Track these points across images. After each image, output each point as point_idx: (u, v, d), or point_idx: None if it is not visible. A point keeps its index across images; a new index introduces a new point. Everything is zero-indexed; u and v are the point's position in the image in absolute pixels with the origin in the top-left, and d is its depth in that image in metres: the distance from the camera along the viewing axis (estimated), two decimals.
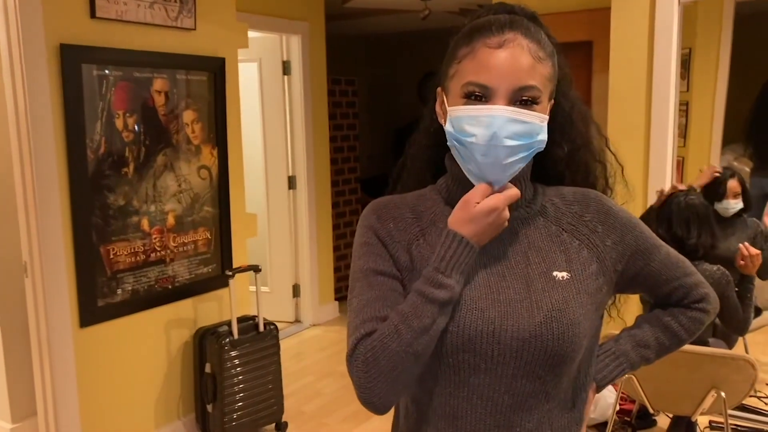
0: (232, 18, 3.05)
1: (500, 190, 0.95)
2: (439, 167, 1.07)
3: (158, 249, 2.79)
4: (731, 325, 2.58)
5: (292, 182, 4.45)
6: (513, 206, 0.98)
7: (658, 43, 3.10)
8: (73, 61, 2.44)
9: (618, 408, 2.77)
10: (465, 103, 0.93)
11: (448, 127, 0.95)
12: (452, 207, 0.98)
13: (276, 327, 3.06)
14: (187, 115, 2.86)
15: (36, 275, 2.45)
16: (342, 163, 5.24)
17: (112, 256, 2.62)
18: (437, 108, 1.02)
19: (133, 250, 2.69)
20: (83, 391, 2.59)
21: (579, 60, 3.60)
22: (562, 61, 1.03)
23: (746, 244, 2.65)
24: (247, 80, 4.08)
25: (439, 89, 1.01)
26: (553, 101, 1.00)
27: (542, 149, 0.96)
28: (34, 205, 2.40)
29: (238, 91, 3.16)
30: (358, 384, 0.93)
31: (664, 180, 3.17)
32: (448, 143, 0.97)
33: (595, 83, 3.56)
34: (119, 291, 2.66)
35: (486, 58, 0.92)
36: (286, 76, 4.34)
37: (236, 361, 2.85)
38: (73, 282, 2.51)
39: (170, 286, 2.86)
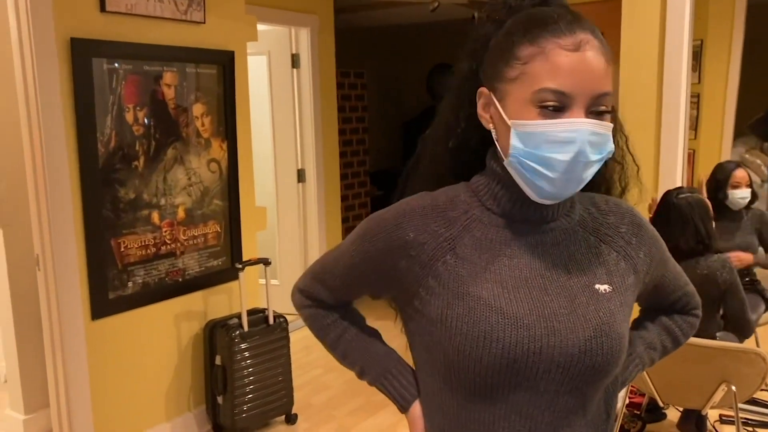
0: (241, 11, 3.05)
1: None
2: (463, 170, 0.98)
3: (168, 242, 2.80)
4: (735, 323, 2.56)
5: (301, 175, 4.45)
6: (554, 217, 0.92)
7: (669, 35, 3.08)
8: (83, 55, 2.45)
9: (627, 401, 2.77)
10: (539, 114, 0.82)
11: (515, 142, 0.85)
12: (491, 211, 0.92)
13: (285, 319, 3.08)
14: (197, 109, 2.87)
15: (48, 268, 2.47)
16: (351, 156, 5.24)
17: (123, 249, 2.63)
18: (480, 111, 0.91)
19: (143, 243, 2.70)
20: (95, 383, 2.61)
21: None
22: None
23: (738, 254, 2.65)
24: (256, 73, 4.08)
25: (484, 90, 0.90)
26: None
27: None
28: (45, 198, 2.42)
29: (247, 84, 3.16)
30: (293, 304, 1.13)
31: (675, 173, 3.15)
32: (511, 159, 0.86)
33: None
34: (130, 284, 2.68)
35: (563, 62, 0.81)
36: (295, 69, 4.34)
37: (246, 354, 2.87)
38: (84, 275, 2.53)
39: (180, 279, 2.87)
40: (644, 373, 2.41)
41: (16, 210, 2.89)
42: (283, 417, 3.11)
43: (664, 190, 3.10)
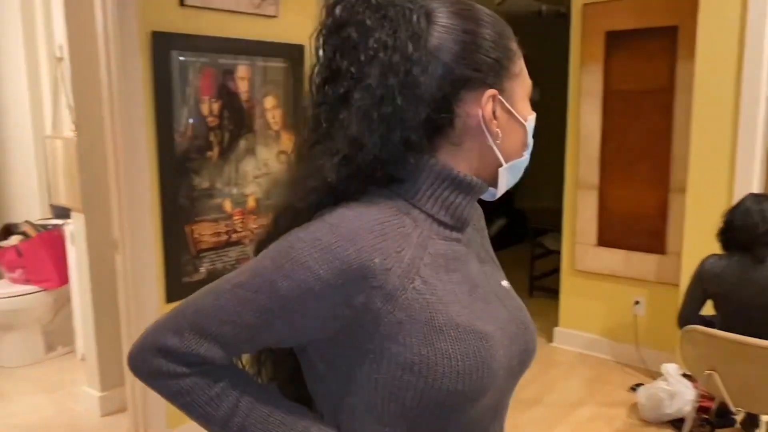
0: (312, 5, 3.09)
1: None
2: (363, 184, 0.80)
3: (239, 230, 2.88)
4: None
5: None
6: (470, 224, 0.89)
7: (750, 28, 2.97)
8: (163, 48, 2.54)
9: (697, 405, 2.70)
10: (531, 107, 0.88)
11: (530, 140, 0.87)
12: (441, 222, 0.82)
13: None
14: (268, 102, 2.93)
15: (126, 252, 2.58)
16: None
17: (196, 236, 2.73)
18: (488, 115, 0.81)
19: (215, 231, 2.79)
20: None
21: (662, 46, 3.48)
22: None
23: None
24: None
25: (492, 92, 0.81)
26: None
27: None
28: (125, 185, 2.52)
29: None
30: (133, 370, 0.83)
31: (752, 174, 3.04)
32: (523, 159, 0.87)
33: (679, 71, 3.43)
34: (202, 269, 2.77)
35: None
36: None
37: None
38: (160, 259, 2.63)
39: None
40: (716, 376, 2.35)
41: (98, 196, 3.02)
42: None
43: (740, 192, 3.00)
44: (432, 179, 0.81)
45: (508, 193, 0.93)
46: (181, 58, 2.60)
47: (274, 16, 2.90)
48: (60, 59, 3.71)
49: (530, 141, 0.86)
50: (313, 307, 0.75)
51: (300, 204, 0.80)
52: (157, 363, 0.79)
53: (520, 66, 0.84)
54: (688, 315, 2.55)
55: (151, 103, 2.54)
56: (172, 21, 2.58)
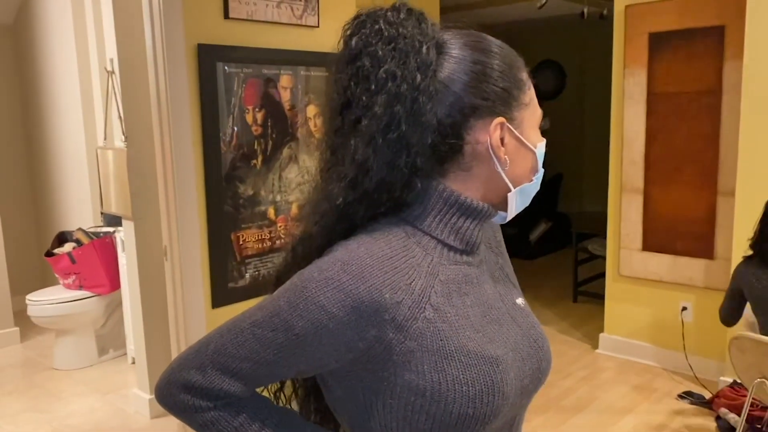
0: (352, 15, 3.14)
1: None
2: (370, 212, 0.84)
3: (283, 237, 2.94)
4: None
5: None
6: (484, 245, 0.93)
7: None
8: (209, 59, 2.61)
9: (747, 414, 2.63)
10: (541, 135, 0.89)
11: (540, 165, 0.89)
12: (452, 248, 0.85)
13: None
14: (310, 110, 2.98)
15: (174, 259, 2.66)
16: None
17: (241, 243, 2.79)
18: (496, 143, 0.83)
19: (260, 237, 2.85)
20: None
21: (708, 47, 3.41)
22: None
23: None
24: None
25: (501, 119, 0.83)
26: None
27: None
28: (174, 194, 2.60)
29: None
30: (161, 403, 0.86)
31: None
32: (532, 183, 0.89)
33: (726, 71, 3.36)
34: (247, 275, 2.83)
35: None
36: None
37: None
38: (207, 266, 2.70)
39: None
40: (767, 385, 2.29)
41: (148, 205, 3.12)
42: None
43: None
44: (441, 204, 0.84)
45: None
46: (226, 69, 2.67)
47: (315, 27, 2.96)
48: (111, 72, 3.85)
49: (540, 167, 0.89)
50: (327, 343, 0.78)
51: (314, 229, 0.84)
52: (183, 398, 0.83)
53: (530, 96, 0.87)
54: (726, 310, 2.64)
55: (197, 113, 2.62)
56: (217, 33, 2.65)
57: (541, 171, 0.89)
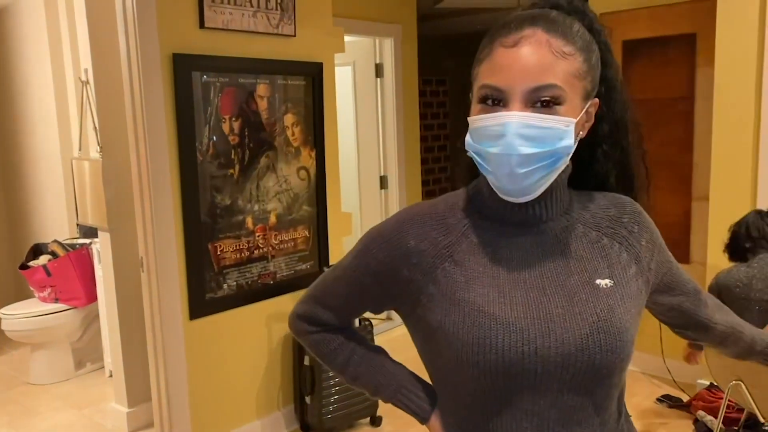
0: (329, 24, 3.15)
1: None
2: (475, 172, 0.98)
3: (261, 246, 2.92)
4: None
5: (383, 182, 4.52)
6: (551, 216, 0.93)
7: None
8: (184, 69, 2.60)
9: (724, 416, 2.66)
10: (481, 110, 0.87)
11: (467, 138, 0.89)
12: (484, 216, 0.94)
13: (371, 323, 3.14)
14: (288, 119, 2.98)
15: (151, 270, 2.63)
16: (432, 163, 5.27)
17: (219, 253, 2.77)
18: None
19: (238, 247, 2.83)
20: (192, 380, 2.76)
21: (681, 54, 3.46)
22: (610, 59, 0.95)
23: None
24: (342, 83, 4.18)
25: (471, 95, 0.93)
26: (596, 103, 0.93)
27: (570, 154, 0.88)
28: (150, 204, 2.58)
29: (334, 94, 3.25)
30: (291, 331, 1.12)
31: None
32: (468, 154, 0.91)
33: (698, 78, 3.41)
34: (225, 286, 2.81)
35: (500, 58, 0.85)
36: (379, 79, 4.42)
37: None
38: (183, 277, 2.68)
39: (271, 282, 2.98)
40: (743, 386, 2.31)
41: (124, 216, 3.08)
42: (368, 419, 3.17)
43: (763, 198, 2.97)
44: (481, 176, 0.94)
45: None
46: (203, 78, 2.66)
47: (292, 36, 2.96)
48: (86, 83, 3.82)
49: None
50: (376, 281, 0.97)
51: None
52: (298, 324, 1.09)
53: (477, 71, 0.90)
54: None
55: (173, 123, 2.60)
56: (192, 43, 2.64)
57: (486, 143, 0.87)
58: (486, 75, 0.86)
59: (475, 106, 0.89)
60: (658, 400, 3.36)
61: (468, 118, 0.90)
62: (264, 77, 2.86)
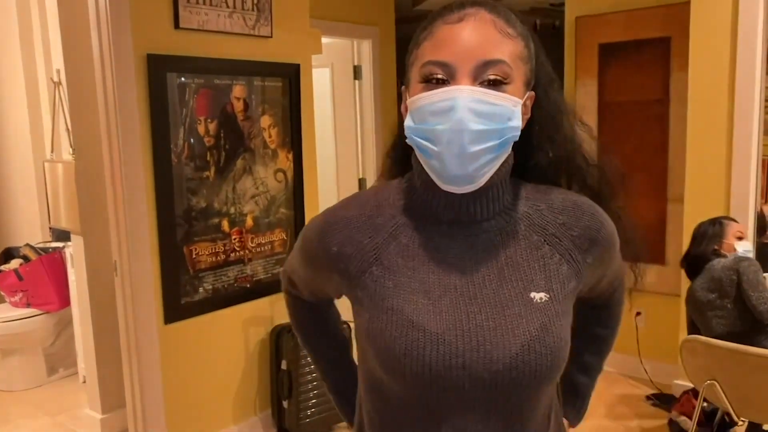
0: (306, 25, 3.13)
1: None
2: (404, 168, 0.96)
3: (237, 249, 2.89)
4: None
5: (362, 184, 4.51)
6: (486, 215, 0.87)
7: (741, 38, 2.99)
8: (159, 70, 2.56)
9: (699, 416, 2.68)
10: (424, 88, 0.81)
11: (407, 122, 0.83)
12: (415, 215, 0.89)
13: (349, 326, 3.11)
14: (264, 120, 2.95)
15: (125, 274, 2.59)
16: None
17: (194, 256, 2.73)
18: (402, 110, 0.89)
19: (214, 251, 2.80)
20: (167, 385, 2.71)
21: (656, 57, 3.50)
22: (542, 57, 0.91)
23: None
24: (319, 85, 4.16)
25: (402, 88, 0.89)
26: (533, 96, 0.88)
27: (516, 138, 0.83)
28: (123, 206, 2.54)
29: (312, 96, 3.23)
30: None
31: (748, 183, 3.05)
32: (407, 141, 0.84)
33: (673, 81, 3.45)
34: (201, 289, 2.77)
35: (445, 35, 0.81)
36: (356, 81, 4.40)
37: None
38: (158, 281, 2.64)
39: (248, 285, 2.95)
40: (717, 386, 2.34)
41: (97, 219, 3.03)
42: (346, 423, 3.15)
43: (737, 201, 3.01)
44: (413, 171, 0.92)
45: None
46: (178, 79, 2.63)
47: (269, 37, 2.93)
48: (58, 83, 3.75)
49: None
50: (318, 274, 0.98)
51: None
52: (282, 281, 1.14)
53: (415, 54, 0.87)
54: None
55: (147, 124, 2.56)
56: (167, 44, 2.61)
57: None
58: (429, 53, 0.82)
59: (415, 87, 0.83)
60: (647, 398, 3.41)
61: (407, 101, 0.84)
62: (240, 78, 2.83)
